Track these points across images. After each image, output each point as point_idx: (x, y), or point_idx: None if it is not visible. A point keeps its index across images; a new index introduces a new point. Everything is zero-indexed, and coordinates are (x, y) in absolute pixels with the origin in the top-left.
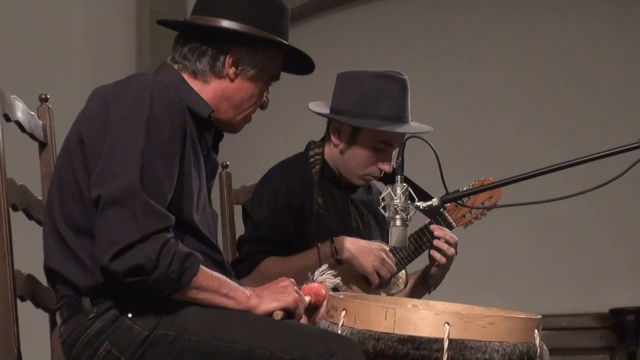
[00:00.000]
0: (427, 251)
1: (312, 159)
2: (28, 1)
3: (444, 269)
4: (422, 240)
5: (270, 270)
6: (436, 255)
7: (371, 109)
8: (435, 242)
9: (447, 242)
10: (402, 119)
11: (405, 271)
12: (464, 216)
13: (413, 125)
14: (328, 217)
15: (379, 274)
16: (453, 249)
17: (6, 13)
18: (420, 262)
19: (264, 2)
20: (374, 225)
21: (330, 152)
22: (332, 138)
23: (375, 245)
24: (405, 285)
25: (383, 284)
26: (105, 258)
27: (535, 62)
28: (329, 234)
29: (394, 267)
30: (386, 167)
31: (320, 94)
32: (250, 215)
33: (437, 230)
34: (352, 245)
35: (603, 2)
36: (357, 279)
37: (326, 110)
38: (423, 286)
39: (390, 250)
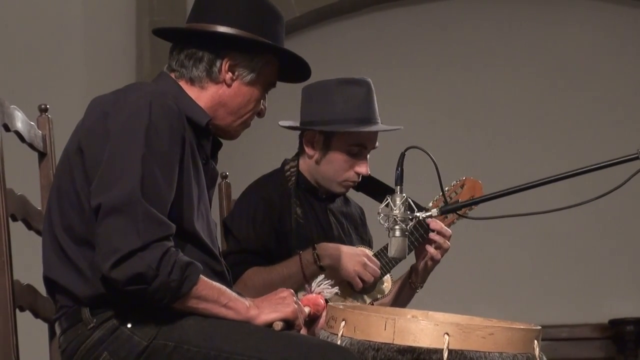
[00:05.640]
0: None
1: (288, 172)
2: (27, 11)
3: (436, 262)
4: (408, 240)
5: (253, 280)
6: (431, 250)
7: (340, 115)
8: (431, 236)
9: (443, 235)
10: (371, 120)
11: (390, 276)
12: (446, 217)
13: (383, 126)
14: (308, 226)
15: (362, 279)
16: (449, 243)
17: (6, 23)
18: (403, 266)
19: (259, 8)
20: (354, 236)
21: (306, 164)
22: (306, 150)
23: (358, 250)
24: (390, 290)
25: (368, 289)
26: (106, 266)
27: (534, 71)
28: (310, 243)
29: (378, 270)
30: (363, 170)
31: None
32: (231, 230)
33: (433, 223)
34: (334, 251)
35: (602, 11)
36: (342, 284)
37: (296, 125)
38: (410, 287)
39: (377, 254)
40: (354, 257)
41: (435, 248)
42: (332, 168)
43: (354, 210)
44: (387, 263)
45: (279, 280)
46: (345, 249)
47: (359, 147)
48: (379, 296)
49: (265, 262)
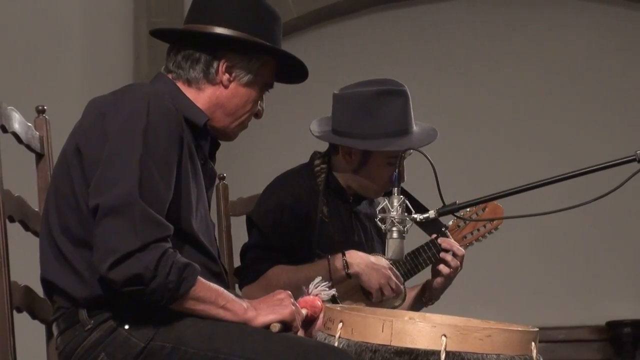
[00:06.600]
0: (428, 267)
1: (317, 168)
2: (25, 12)
3: (447, 281)
4: (422, 257)
5: (279, 278)
6: (441, 268)
7: (380, 129)
8: (442, 255)
9: (454, 254)
10: (408, 130)
11: (404, 286)
12: (465, 237)
13: (421, 133)
14: (331, 227)
15: (383, 292)
16: (457, 261)
17: (3, 24)
18: (420, 278)
19: (256, 9)
20: (376, 239)
21: (340, 168)
22: (343, 159)
23: (384, 262)
24: (403, 300)
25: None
26: (104, 267)
27: (533, 74)
28: (331, 244)
29: (400, 287)
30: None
31: (317, 106)
32: (256, 224)
33: (445, 243)
34: (362, 260)
35: (601, 13)
36: (354, 293)
37: (327, 129)
38: (421, 301)
39: (393, 263)
40: (381, 270)
41: (446, 267)
42: (371, 179)
43: (376, 210)
44: (401, 275)
45: (304, 282)
46: (373, 259)
47: (397, 158)
48: (390, 306)
49: (288, 259)
